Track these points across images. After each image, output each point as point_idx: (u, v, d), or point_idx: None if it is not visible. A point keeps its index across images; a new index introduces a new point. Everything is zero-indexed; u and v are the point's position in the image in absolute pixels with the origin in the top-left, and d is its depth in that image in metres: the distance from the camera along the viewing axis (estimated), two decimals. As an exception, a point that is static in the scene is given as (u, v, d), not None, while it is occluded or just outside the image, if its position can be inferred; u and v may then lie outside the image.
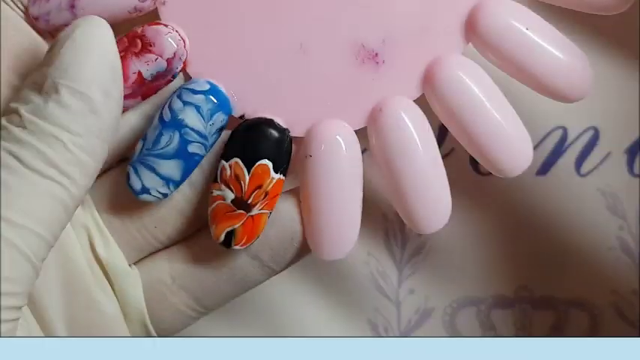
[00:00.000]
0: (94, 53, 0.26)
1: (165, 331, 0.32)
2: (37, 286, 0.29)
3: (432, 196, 0.29)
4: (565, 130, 0.37)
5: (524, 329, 0.38)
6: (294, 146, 0.30)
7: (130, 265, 0.31)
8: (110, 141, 0.27)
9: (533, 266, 0.38)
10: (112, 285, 0.31)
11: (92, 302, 0.30)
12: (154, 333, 0.32)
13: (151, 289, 0.31)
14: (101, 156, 0.27)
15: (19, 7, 0.29)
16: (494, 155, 0.29)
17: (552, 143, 0.37)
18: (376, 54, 0.29)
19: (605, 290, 0.38)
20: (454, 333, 0.39)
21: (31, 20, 0.29)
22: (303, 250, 0.31)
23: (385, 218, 0.38)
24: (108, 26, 0.27)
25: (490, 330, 0.39)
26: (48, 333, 0.30)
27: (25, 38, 0.29)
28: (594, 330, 0.38)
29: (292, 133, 0.30)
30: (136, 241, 0.32)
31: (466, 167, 0.37)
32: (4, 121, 0.26)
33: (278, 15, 0.29)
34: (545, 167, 0.38)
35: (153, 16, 0.29)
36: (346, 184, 0.29)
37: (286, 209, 0.30)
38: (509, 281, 0.38)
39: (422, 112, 0.29)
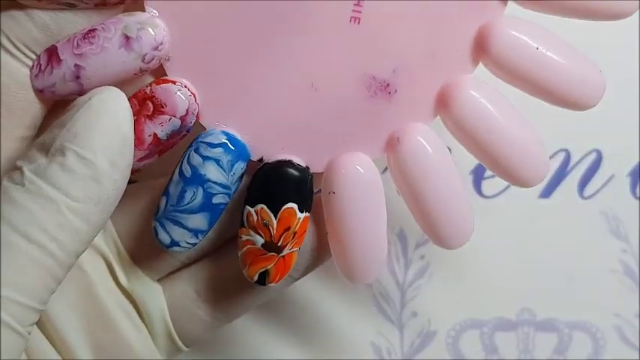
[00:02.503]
0: (106, 122, 0.26)
1: (191, 340, 0.32)
2: (59, 316, 0.30)
3: (455, 215, 0.29)
4: (568, 152, 0.37)
5: (527, 352, 0.38)
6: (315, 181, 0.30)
7: (153, 282, 0.32)
8: (110, 211, 0.27)
9: (536, 289, 0.38)
10: (135, 304, 0.32)
11: (112, 326, 0.31)
12: (180, 344, 0.32)
13: (176, 303, 0.32)
14: (98, 224, 0.27)
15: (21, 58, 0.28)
16: (514, 169, 0.29)
17: (555, 166, 0.37)
18: (388, 84, 0.29)
19: (607, 313, 0.38)
20: (457, 356, 0.38)
21: (36, 91, 0.28)
22: (321, 258, 0.32)
23: (388, 241, 0.38)
24: (125, 98, 0.27)
25: (493, 353, 0.38)
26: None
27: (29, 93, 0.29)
28: (597, 353, 0.38)
29: (312, 170, 0.30)
30: (157, 262, 0.32)
31: (470, 191, 0.37)
32: (4, 180, 0.26)
33: (286, 57, 0.29)
34: (548, 190, 0.38)
35: (158, 71, 0.29)
36: (372, 214, 0.29)
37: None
38: (512, 304, 0.38)
39: (437, 136, 0.29)
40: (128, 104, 0.27)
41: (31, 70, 0.28)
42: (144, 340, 0.31)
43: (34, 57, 0.28)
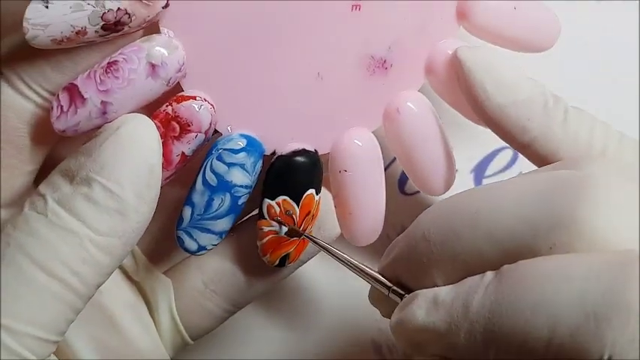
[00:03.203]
0: (134, 154, 0.26)
1: (197, 333, 0.32)
2: None
3: (442, 168, 0.32)
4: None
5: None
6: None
7: (161, 274, 0.32)
8: (133, 243, 0.26)
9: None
10: (145, 297, 0.31)
11: (119, 330, 0.31)
12: (186, 337, 0.32)
13: (184, 294, 0.32)
14: (121, 256, 0.26)
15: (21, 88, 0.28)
16: None
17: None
18: (384, 61, 0.30)
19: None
20: (457, 355, 0.38)
21: (58, 131, 0.27)
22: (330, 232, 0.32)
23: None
24: (154, 127, 0.26)
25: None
26: None
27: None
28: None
29: (320, 152, 0.30)
30: (166, 255, 0.32)
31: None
32: (26, 208, 0.26)
33: (293, 53, 0.29)
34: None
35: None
36: (378, 183, 0.31)
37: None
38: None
39: (427, 100, 0.31)
40: (157, 134, 0.26)
41: (51, 112, 0.27)
42: (151, 340, 0.31)
43: (44, 94, 0.27)
